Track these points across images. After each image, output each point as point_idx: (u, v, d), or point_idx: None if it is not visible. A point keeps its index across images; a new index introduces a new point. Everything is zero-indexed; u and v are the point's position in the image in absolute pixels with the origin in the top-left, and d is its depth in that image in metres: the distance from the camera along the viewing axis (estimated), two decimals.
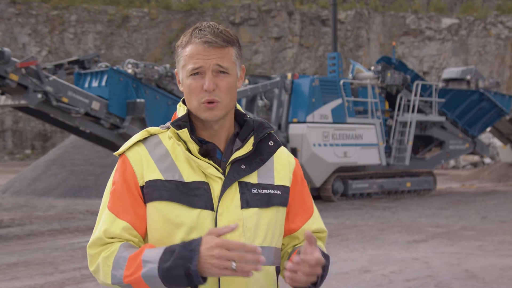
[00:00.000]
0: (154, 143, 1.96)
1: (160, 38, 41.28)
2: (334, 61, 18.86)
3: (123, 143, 2.08)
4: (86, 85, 14.00)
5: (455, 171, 30.77)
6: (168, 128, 1.96)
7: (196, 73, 1.88)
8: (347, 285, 7.22)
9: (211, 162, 1.90)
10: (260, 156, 1.95)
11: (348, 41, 41.71)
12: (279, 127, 16.29)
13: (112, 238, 1.89)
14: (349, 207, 15.33)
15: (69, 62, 14.92)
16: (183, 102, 1.98)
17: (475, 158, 32.50)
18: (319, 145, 16.06)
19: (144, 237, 1.93)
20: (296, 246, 2.04)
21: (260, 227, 1.91)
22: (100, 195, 16.88)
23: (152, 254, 1.78)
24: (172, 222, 1.87)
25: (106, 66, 14.21)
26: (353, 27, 41.78)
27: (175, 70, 2.00)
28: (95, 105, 13.16)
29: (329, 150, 16.23)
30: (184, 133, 1.90)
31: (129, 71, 13.94)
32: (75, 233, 11.18)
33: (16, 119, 38.19)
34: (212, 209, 1.87)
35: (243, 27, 41.30)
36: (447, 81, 21.51)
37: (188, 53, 1.89)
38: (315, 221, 2.07)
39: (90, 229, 11.65)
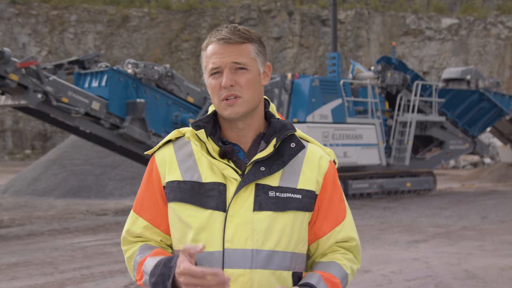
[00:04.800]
0: (182, 143, 1.99)
1: (160, 38, 41.27)
2: (334, 61, 18.87)
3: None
4: (86, 85, 13.99)
5: (455, 171, 30.76)
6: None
7: (216, 72, 1.89)
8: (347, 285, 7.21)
9: (230, 163, 1.89)
10: (281, 158, 1.91)
11: (348, 41, 41.70)
12: None
13: (135, 237, 2.00)
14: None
15: (69, 62, 14.91)
16: None
17: (475, 158, 32.49)
18: None
19: (170, 235, 1.99)
20: (319, 260, 2.00)
21: (272, 231, 1.87)
22: (100, 195, 16.91)
23: (148, 265, 1.87)
24: (185, 223, 1.89)
25: (106, 66, 14.20)
26: (353, 27, 41.77)
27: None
28: (95, 105, 13.15)
29: None
30: (202, 133, 1.90)
31: (129, 71, 13.94)
32: (75, 233, 11.18)
33: (16, 119, 38.18)
34: (224, 210, 1.86)
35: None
36: (447, 81, 21.51)
37: (208, 54, 1.91)
38: (344, 229, 2.00)
39: (90, 229, 11.65)
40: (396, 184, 18.07)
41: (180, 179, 1.91)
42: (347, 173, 16.86)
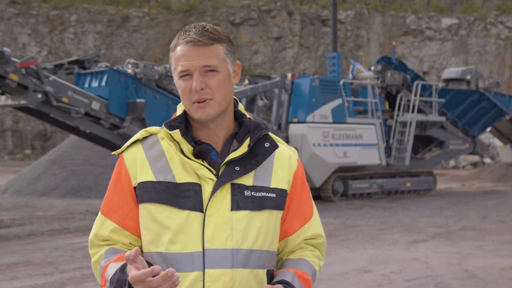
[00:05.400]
0: (151, 142, 1.95)
1: (160, 38, 41.26)
2: (334, 61, 18.88)
3: (123, 143, 2.09)
4: (86, 85, 14.00)
5: (455, 171, 30.76)
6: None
7: (185, 74, 1.87)
8: (347, 285, 7.22)
9: (204, 163, 1.88)
10: (255, 158, 1.91)
11: (348, 41, 41.69)
12: (279, 127, 16.29)
13: (102, 240, 1.95)
14: (349, 207, 15.33)
15: (69, 62, 14.91)
16: None
17: (475, 158, 32.49)
18: (319, 145, 16.06)
19: (139, 236, 1.95)
20: (287, 257, 2.02)
21: (250, 230, 1.88)
22: (100, 195, 16.89)
23: (110, 271, 1.84)
24: (161, 224, 1.87)
25: (106, 66, 14.21)
26: (353, 27, 41.76)
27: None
28: (95, 105, 13.15)
29: (329, 150, 16.23)
30: (176, 133, 1.88)
31: (129, 71, 13.94)
32: (75, 233, 11.18)
33: (16, 119, 38.18)
34: (201, 211, 1.85)
35: (243, 27, 41.27)
36: (447, 81, 21.51)
37: (177, 56, 1.89)
38: (312, 226, 2.03)
39: (90, 229, 11.58)
40: (396, 184, 18.08)
41: (153, 179, 1.88)
42: (347, 173, 16.87)
